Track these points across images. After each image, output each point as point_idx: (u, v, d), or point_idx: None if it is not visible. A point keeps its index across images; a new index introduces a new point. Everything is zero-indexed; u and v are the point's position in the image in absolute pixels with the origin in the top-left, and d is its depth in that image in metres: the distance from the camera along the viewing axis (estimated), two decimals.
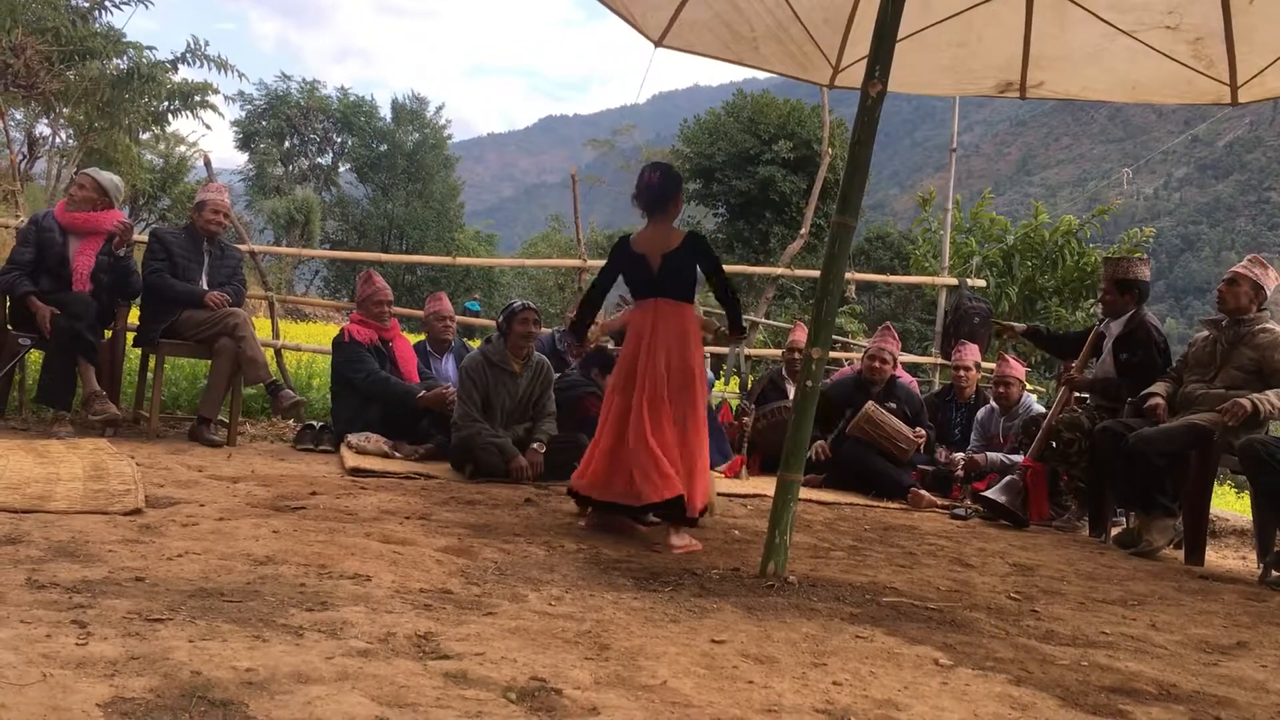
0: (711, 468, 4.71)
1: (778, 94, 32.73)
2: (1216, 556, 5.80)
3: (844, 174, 3.87)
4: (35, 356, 6.40)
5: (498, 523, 4.22)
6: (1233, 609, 3.91)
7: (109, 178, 6.43)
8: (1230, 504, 9.31)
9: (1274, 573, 4.68)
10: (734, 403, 8.57)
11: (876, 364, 7.06)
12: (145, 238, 6.67)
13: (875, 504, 6.25)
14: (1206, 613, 3.79)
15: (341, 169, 43.84)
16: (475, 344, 7.44)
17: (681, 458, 4.20)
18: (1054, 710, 2.34)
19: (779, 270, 10.41)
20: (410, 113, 44.00)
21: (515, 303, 5.98)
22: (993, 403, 7.20)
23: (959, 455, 6.99)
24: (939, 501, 6.49)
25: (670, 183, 4.46)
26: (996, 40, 5.47)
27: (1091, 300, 14.00)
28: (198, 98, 19.51)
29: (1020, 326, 6.85)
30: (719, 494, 5.01)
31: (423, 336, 7.18)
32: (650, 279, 4.39)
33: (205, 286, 6.35)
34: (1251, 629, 3.57)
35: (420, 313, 7.69)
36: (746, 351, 9.37)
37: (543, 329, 6.45)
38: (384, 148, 42.95)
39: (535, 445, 5.76)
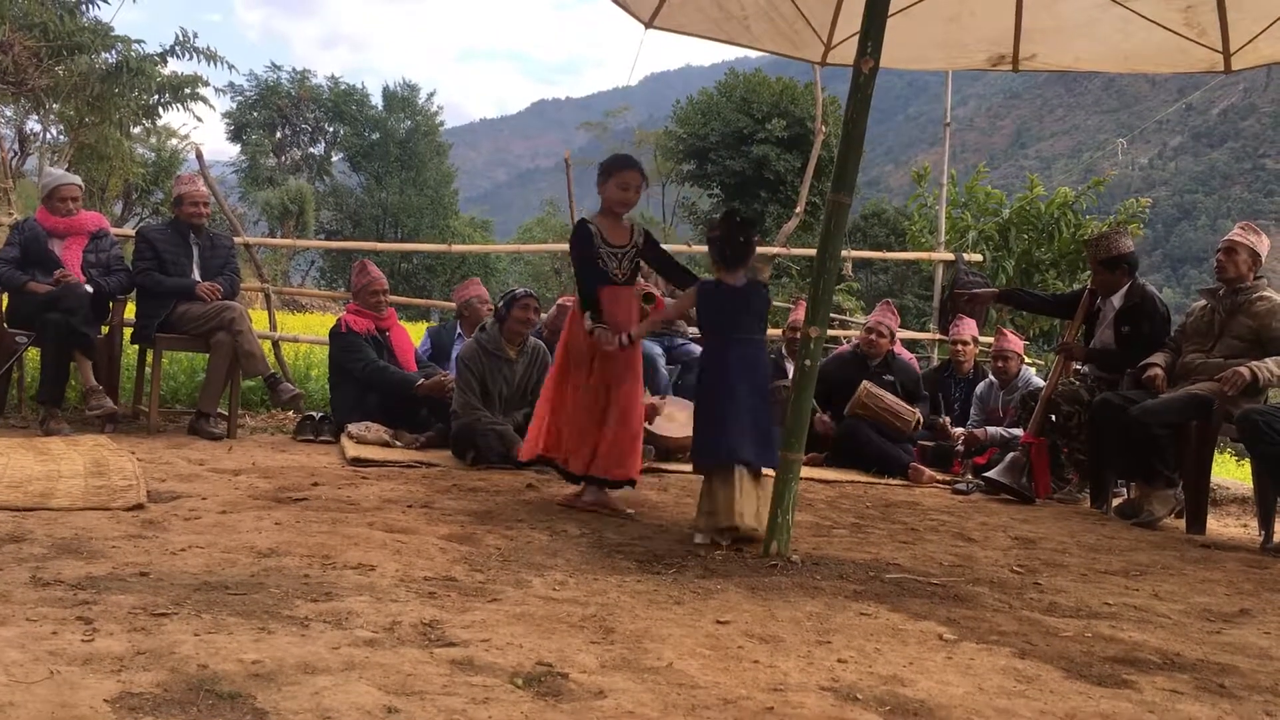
0: None
1: (770, 72, 32.57)
2: (1218, 525, 5.81)
3: (838, 151, 3.87)
4: (34, 354, 6.41)
5: (500, 509, 4.23)
6: (1235, 577, 3.92)
7: (76, 177, 6.64)
8: (1231, 472, 9.32)
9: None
10: None
11: (873, 337, 7.04)
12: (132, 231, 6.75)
13: (876, 481, 6.25)
14: (1209, 581, 3.80)
15: (334, 158, 43.72)
16: None
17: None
18: (1058, 682, 2.35)
19: (775, 249, 10.38)
20: (402, 100, 43.85)
21: (518, 289, 5.98)
22: (991, 377, 7.21)
23: (959, 430, 7.00)
24: (939, 477, 6.50)
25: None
26: (988, 13, 5.44)
27: (1088, 273, 13.97)
28: (188, 90, 19.39)
29: (992, 291, 6.81)
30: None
31: (429, 324, 7.18)
32: None
33: (198, 278, 6.37)
34: (1254, 596, 3.58)
35: (420, 301, 7.68)
36: None
37: (542, 315, 6.45)
38: (376, 136, 42.82)
39: None
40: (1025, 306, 7.43)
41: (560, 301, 7.18)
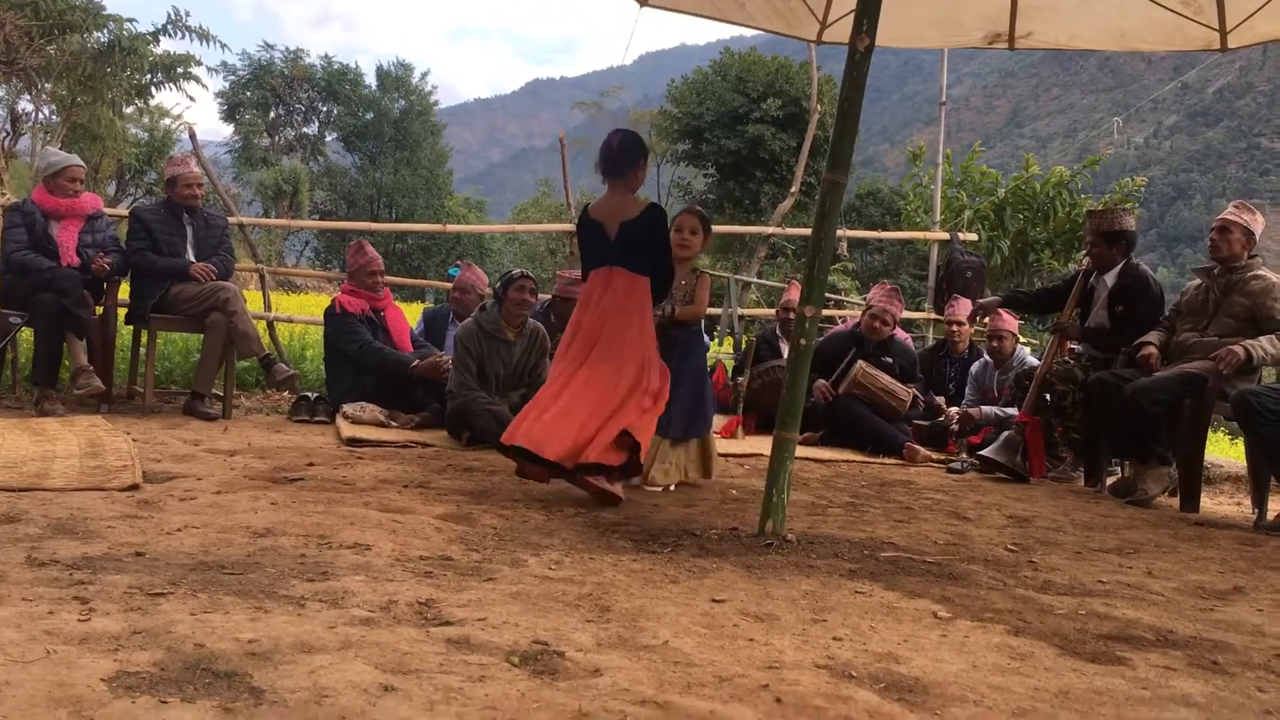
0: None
1: (765, 51, 32.42)
2: (1211, 503, 5.82)
3: (833, 130, 3.85)
4: (27, 334, 6.41)
5: (496, 489, 4.23)
6: (1228, 554, 3.94)
7: (78, 159, 6.58)
8: (1224, 450, 9.35)
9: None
10: (729, 364, 8.58)
11: (877, 324, 6.96)
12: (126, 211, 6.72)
13: (871, 460, 6.27)
14: (1202, 559, 3.82)
15: (328, 138, 43.56)
16: None
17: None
18: (1053, 659, 2.36)
19: (770, 229, 10.37)
20: (395, 79, 43.65)
21: (514, 271, 5.97)
22: (986, 356, 7.21)
23: (954, 410, 7.01)
24: (934, 456, 6.51)
25: (630, 148, 4.34)
26: None
27: (1083, 252, 13.97)
28: (180, 69, 19.32)
29: (995, 300, 6.87)
30: (719, 454, 5.06)
31: (425, 305, 7.16)
32: (607, 247, 4.32)
33: (192, 258, 6.35)
34: (1247, 574, 3.59)
35: (415, 282, 7.65)
36: (740, 312, 9.38)
37: (539, 296, 6.43)
38: (370, 116, 42.65)
39: None
40: (1026, 309, 7.44)
41: (561, 274, 7.18)
